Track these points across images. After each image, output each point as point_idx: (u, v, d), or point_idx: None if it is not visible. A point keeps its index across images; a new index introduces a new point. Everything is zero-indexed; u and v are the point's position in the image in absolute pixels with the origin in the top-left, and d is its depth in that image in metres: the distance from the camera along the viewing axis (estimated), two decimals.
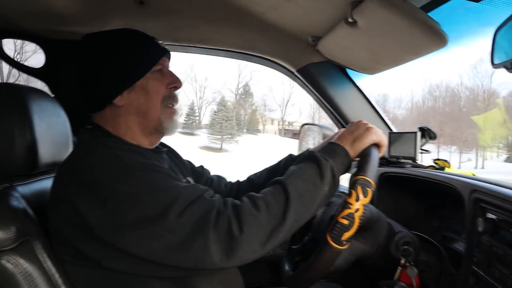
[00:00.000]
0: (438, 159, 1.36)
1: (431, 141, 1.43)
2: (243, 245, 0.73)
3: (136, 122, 0.95)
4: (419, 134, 1.34)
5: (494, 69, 0.89)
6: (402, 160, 1.41)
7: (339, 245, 0.78)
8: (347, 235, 0.77)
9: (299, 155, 1.18)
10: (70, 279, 0.85)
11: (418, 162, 1.40)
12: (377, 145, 0.91)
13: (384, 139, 0.92)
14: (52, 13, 1.27)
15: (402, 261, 0.95)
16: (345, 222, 0.77)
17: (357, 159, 0.89)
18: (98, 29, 0.99)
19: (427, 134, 1.41)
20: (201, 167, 1.29)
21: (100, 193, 0.76)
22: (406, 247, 0.95)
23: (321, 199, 0.82)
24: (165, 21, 1.41)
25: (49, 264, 0.83)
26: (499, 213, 0.83)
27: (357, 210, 0.77)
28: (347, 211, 0.78)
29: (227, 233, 0.73)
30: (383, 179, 1.42)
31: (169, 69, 1.00)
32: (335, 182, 0.84)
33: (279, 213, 0.77)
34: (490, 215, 0.86)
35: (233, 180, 1.29)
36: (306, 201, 0.80)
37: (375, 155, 0.87)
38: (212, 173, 1.30)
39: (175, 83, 0.99)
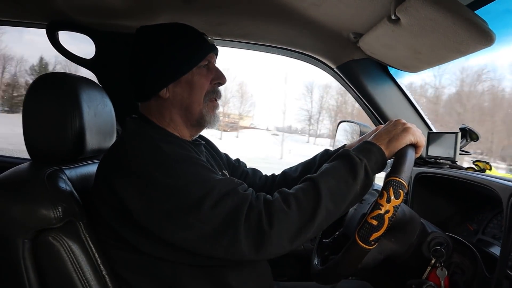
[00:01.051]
0: (478, 161, 1.31)
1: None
2: (272, 239, 0.75)
3: (179, 114, 0.98)
4: (459, 134, 1.29)
5: None
6: (440, 161, 1.38)
7: (367, 245, 0.78)
8: (375, 235, 0.77)
9: (335, 151, 1.19)
10: (109, 260, 0.90)
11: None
12: (414, 146, 0.89)
13: (422, 140, 0.90)
14: (104, 7, 1.33)
15: (433, 262, 0.95)
16: (374, 222, 0.77)
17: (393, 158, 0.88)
18: (145, 22, 1.03)
19: (469, 135, 1.37)
20: (237, 160, 1.31)
21: (140, 181, 0.80)
22: (438, 247, 0.94)
23: (352, 198, 0.82)
24: (209, 16, 1.43)
25: (90, 245, 0.88)
26: None
27: (387, 212, 0.77)
28: (377, 212, 0.77)
29: (257, 227, 0.75)
30: (419, 179, 1.39)
31: (215, 65, 1.03)
32: (368, 181, 0.84)
33: (309, 210, 0.77)
34: None
35: (268, 173, 1.31)
36: (337, 199, 0.80)
37: (411, 156, 0.85)
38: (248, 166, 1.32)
39: (220, 79, 1.01)
